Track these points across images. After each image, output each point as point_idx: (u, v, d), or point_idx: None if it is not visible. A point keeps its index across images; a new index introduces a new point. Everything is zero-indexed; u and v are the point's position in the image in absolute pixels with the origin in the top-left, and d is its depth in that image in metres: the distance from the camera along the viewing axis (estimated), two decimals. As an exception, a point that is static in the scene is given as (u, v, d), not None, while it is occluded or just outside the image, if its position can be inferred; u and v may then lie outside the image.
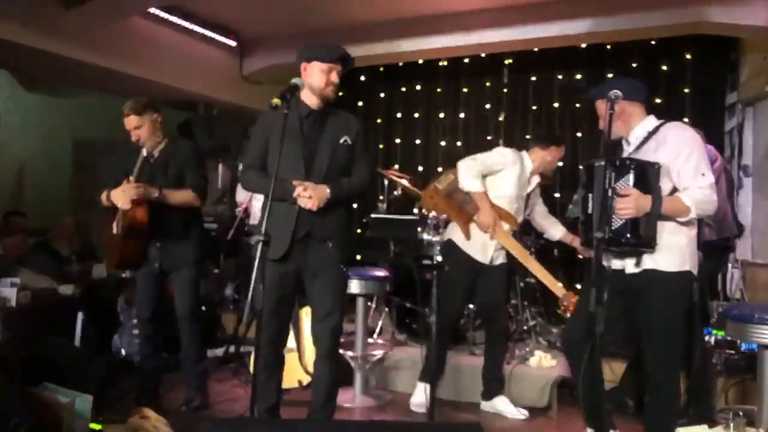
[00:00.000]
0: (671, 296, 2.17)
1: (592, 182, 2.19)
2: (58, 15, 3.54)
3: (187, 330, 3.00)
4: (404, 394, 3.41)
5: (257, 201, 3.82)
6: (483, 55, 4.76)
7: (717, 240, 2.99)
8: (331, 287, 2.35)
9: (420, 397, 3.04)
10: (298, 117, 2.34)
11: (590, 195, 2.18)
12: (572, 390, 3.36)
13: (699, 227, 2.76)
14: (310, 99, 2.35)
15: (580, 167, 2.28)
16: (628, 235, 2.11)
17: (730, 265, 3.65)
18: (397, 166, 5.13)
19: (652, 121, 2.31)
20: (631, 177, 2.10)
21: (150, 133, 2.85)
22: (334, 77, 2.32)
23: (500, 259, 3.05)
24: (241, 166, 2.72)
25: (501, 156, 3.02)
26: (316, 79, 2.30)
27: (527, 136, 4.89)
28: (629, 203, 2.07)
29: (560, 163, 3.26)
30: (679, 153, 2.14)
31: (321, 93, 2.32)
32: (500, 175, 2.98)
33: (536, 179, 3.12)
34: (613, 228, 2.10)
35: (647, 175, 2.12)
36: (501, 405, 3.09)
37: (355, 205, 5.58)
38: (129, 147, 2.85)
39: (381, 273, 3.41)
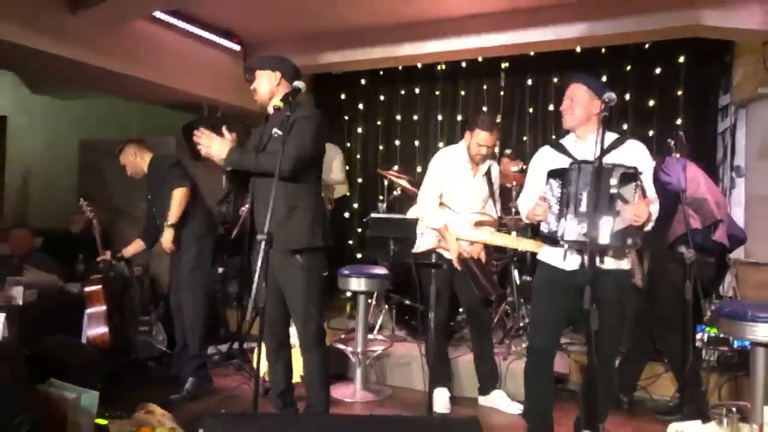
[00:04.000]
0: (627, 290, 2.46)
1: (588, 183, 2.20)
2: (64, 18, 3.59)
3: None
4: (403, 389, 3.47)
5: None
6: (480, 58, 4.82)
7: (715, 243, 3.02)
8: (284, 278, 2.37)
9: (439, 399, 3.08)
10: (265, 119, 2.52)
11: (583, 193, 2.21)
12: (566, 385, 3.42)
13: (684, 218, 2.83)
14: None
15: (569, 164, 2.29)
16: (621, 241, 2.19)
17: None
18: (396, 167, 5.19)
19: (610, 133, 2.40)
20: (634, 185, 2.17)
21: (132, 166, 3.36)
22: (254, 85, 2.54)
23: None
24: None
25: (437, 162, 3.10)
26: None
27: (524, 138, 4.95)
28: (643, 211, 2.14)
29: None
30: (645, 168, 2.29)
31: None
32: (447, 179, 3.06)
33: (487, 163, 3.12)
34: (614, 231, 2.16)
35: (642, 187, 2.23)
36: (498, 400, 3.15)
37: (356, 205, 5.66)
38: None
39: (381, 271, 3.46)
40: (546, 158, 2.48)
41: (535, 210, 2.33)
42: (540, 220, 2.34)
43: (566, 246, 2.27)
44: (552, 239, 2.32)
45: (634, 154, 2.35)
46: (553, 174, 2.34)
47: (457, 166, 3.08)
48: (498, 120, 4.98)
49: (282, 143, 2.22)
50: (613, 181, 2.17)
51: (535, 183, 2.52)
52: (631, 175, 2.18)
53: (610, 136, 2.41)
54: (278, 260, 2.33)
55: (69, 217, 4.59)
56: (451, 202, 3.08)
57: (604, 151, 2.30)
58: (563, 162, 2.37)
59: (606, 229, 2.16)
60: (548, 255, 2.43)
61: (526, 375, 2.50)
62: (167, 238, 3.12)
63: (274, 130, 2.40)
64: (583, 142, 2.40)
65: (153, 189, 3.30)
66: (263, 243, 2.08)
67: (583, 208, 2.20)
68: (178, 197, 3.13)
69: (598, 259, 2.25)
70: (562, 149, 2.44)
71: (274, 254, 2.29)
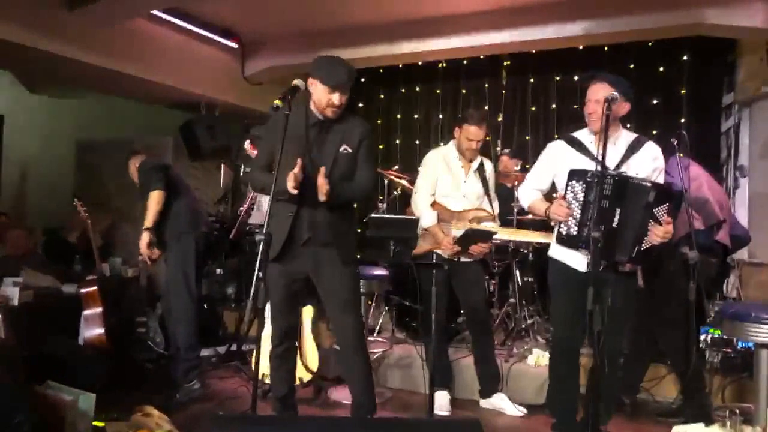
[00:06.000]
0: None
1: (623, 199, 2.16)
2: (62, 16, 3.56)
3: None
4: (403, 391, 3.44)
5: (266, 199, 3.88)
6: (482, 56, 4.79)
7: (718, 244, 3.00)
8: (340, 285, 2.37)
9: (440, 402, 3.05)
10: (306, 125, 2.34)
11: (617, 209, 2.16)
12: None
13: (687, 218, 2.82)
14: (315, 110, 2.36)
15: (606, 173, 2.21)
16: (645, 258, 2.21)
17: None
18: (396, 167, 5.16)
19: (628, 132, 2.38)
20: (667, 205, 2.16)
21: (134, 176, 3.41)
22: (336, 100, 2.28)
23: (464, 258, 3.06)
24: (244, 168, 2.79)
25: (427, 162, 3.09)
26: (317, 97, 2.31)
27: (526, 137, 4.92)
28: (670, 233, 2.14)
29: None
30: (657, 171, 2.30)
31: (321, 111, 2.33)
32: (439, 178, 3.06)
33: (479, 160, 3.11)
34: (641, 249, 2.16)
35: (675, 205, 2.24)
36: (499, 402, 3.13)
37: (354, 205, 5.62)
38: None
39: (381, 272, 3.43)
40: (560, 154, 2.43)
41: (557, 211, 2.27)
42: (560, 220, 2.30)
43: (588, 256, 2.19)
44: (571, 242, 2.28)
45: (656, 156, 2.33)
46: (576, 175, 2.27)
47: (448, 166, 3.08)
48: (499, 119, 4.96)
49: (353, 161, 2.33)
50: (650, 200, 2.14)
51: (543, 176, 2.49)
52: (666, 195, 2.16)
53: (628, 137, 2.37)
54: (331, 270, 2.35)
55: (66, 223, 4.56)
56: (446, 201, 3.07)
57: (623, 156, 2.28)
58: (582, 161, 2.33)
59: (635, 247, 2.15)
60: (562, 254, 2.40)
61: (552, 368, 2.50)
62: (142, 242, 3.13)
63: (343, 146, 2.32)
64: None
65: (142, 194, 3.31)
66: (261, 244, 2.05)
67: (615, 223, 2.16)
68: (152, 200, 3.14)
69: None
70: (582, 148, 2.38)
71: (323, 264, 2.33)
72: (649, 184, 2.17)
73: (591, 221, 2.17)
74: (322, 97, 2.29)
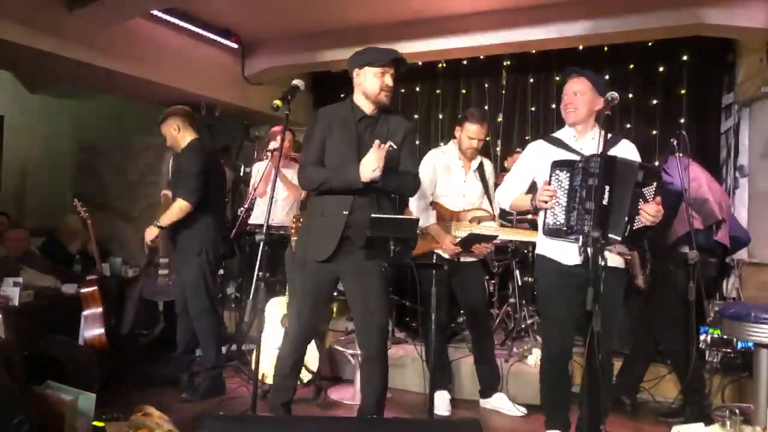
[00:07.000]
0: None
1: (612, 177, 2.15)
2: (62, 16, 3.56)
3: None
4: (403, 391, 3.45)
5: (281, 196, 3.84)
6: (482, 56, 4.79)
7: (717, 244, 3.00)
8: (372, 288, 2.30)
9: (440, 402, 3.05)
10: (354, 120, 2.31)
11: (606, 187, 2.15)
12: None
13: (687, 218, 2.82)
14: (364, 104, 2.32)
15: (571, 160, 2.25)
16: (638, 240, 2.22)
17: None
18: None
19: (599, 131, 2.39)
20: (654, 184, 2.18)
21: (171, 139, 3.18)
22: (389, 81, 2.27)
23: (464, 258, 3.06)
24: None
25: (426, 163, 3.08)
26: (369, 85, 2.27)
27: (526, 137, 4.92)
28: (660, 212, 2.15)
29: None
30: None
31: (375, 99, 2.28)
32: (439, 179, 3.06)
33: (478, 160, 3.14)
34: (633, 229, 2.16)
35: (662, 188, 2.24)
36: (499, 402, 3.14)
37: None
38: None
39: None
40: (541, 153, 2.45)
41: (543, 194, 2.25)
42: (546, 207, 2.28)
43: (580, 241, 2.17)
44: (558, 231, 2.27)
45: (632, 152, 2.35)
46: (559, 165, 2.28)
47: (448, 166, 3.09)
48: (499, 119, 4.96)
49: (397, 157, 2.29)
50: (639, 179, 2.15)
51: (524, 177, 2.49)
52: (654, 174, 2.18)
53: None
54: (363, 276, 2.29)
55: (62, 226, 4.53)
56: (446, 201, 3.08)
57: (604, 150, 2.28)
58: (564, 156, 2.34)
59: (627, 226, 2.14)
60: (551, 249, 2.38)
61: (544, 377, 2.47)
62: (150, 234, 3.03)
63: (389, 143, 2.26)
64: (583, 139, 2.39)
65: (173, 174, 3.16)
66: (261, 244, 2.06)
67: (605, 202, 2.13)
68: (176, 208, 3.00)
69: (600, 258, 2.22)
70: (562, 144, 2.41)
71: (357, 268, 2.27)
72: (636, 163, 2.19)
73: (579, 206, 2.17)
74: (375, 82, 2.26)
